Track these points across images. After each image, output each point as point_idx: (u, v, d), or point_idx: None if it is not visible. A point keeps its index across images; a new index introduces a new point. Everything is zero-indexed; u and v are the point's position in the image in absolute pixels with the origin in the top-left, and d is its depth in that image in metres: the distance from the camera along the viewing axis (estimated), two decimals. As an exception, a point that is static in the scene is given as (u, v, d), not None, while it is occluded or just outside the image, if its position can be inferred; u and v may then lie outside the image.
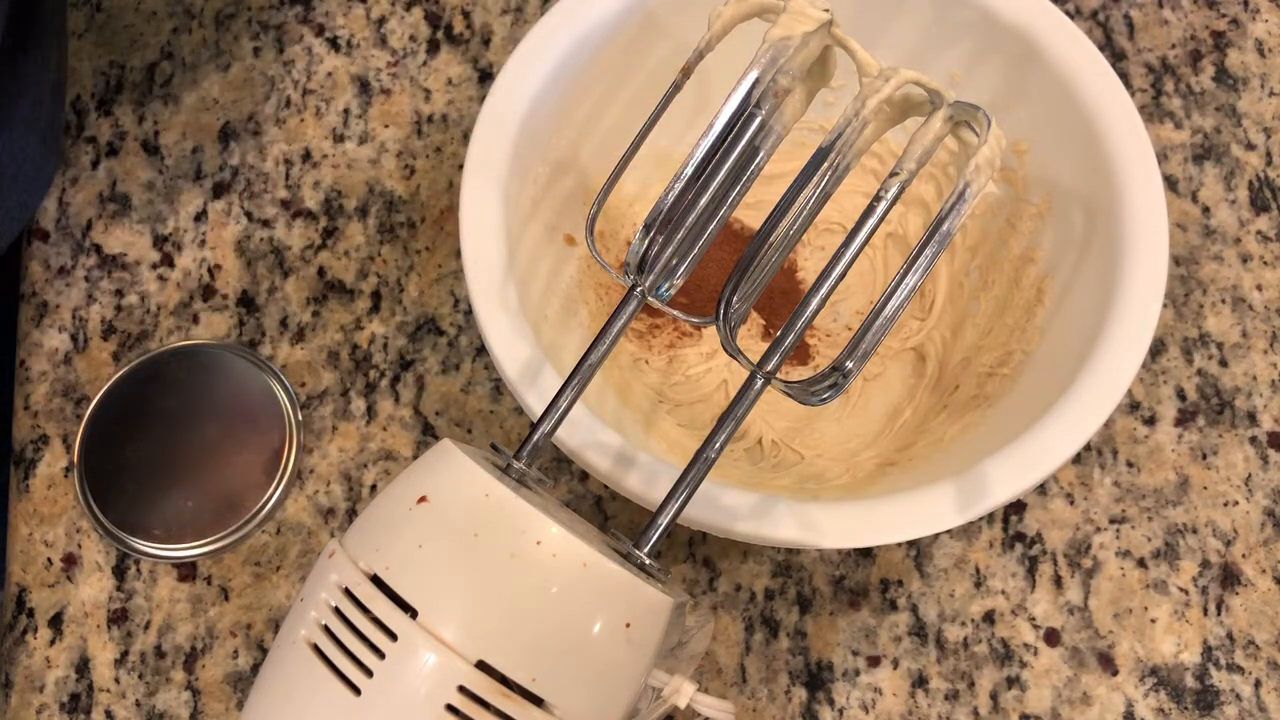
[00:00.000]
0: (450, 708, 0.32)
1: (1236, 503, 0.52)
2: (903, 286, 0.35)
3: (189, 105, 0.59)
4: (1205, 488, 0.52)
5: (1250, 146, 0.58)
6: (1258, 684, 0.49)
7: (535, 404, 0.42)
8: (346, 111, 0.59)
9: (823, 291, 0.36)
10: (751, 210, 0.55)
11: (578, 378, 0.38)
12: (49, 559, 0.51)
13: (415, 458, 0.44)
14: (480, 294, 0.44)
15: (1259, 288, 0.55)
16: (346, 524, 0.51)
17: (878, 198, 0.36)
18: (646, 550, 0.36)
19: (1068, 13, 0.60)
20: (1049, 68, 0.48)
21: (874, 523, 0.41)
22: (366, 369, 0.54)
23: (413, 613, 0.33)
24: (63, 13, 0.54)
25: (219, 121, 0.58)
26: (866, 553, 0.51)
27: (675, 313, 0.42)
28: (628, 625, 0.34)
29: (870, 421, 0.51)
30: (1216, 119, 0.58)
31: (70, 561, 0.51)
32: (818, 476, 0.49)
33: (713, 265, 0.53)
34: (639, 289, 0.38)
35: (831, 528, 0.41)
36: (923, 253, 0.35)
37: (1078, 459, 0.52)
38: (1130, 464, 0.52)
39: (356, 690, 0.33)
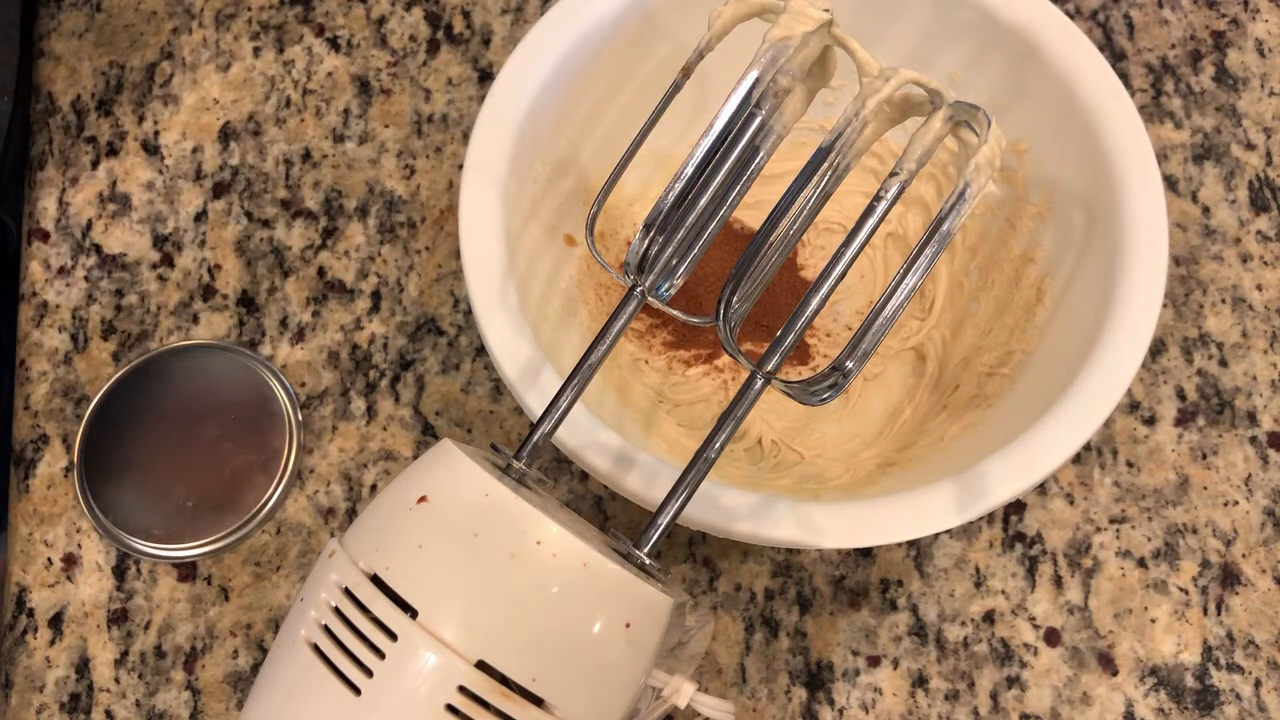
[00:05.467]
0: (450, 708, 0.32)
1: (1236, 503, 0.52)
2: (903, 286, 0.35)
3: (189, 105, 0.59)
4: (1205, 488, 0.52)
5: (1250, 146, 0.58)
6: (1258, 684, 0.49)
7: (535, 404, 0.42)
8: (346, 111, 0.59)
9: (823, 291, 0.36)
10: (751, 210, 0.55)
11: (578, 378, 0.38)
12: (49, 559, 0.51)
13: (415, 458, 0.44)
14: (480, 294, 0.44)
15: (1259, 288, 0.55)
16: (346, 524, 0.51)
17: (878, 198, 0.36)
18: (646, 550, 0.36)
19: (1068, 13, 0.60)
20: (1049, 68, 0.48)
21: (874, 523, 0.41)
22: (366, 369, 0.54)
23: (413, 613, 0.33)
24: (14, 4, 0.53)
25: (219, 121, 0.58)
26: (866, 553, 0.51)
27: (675, 313, 0.42)
28: (628, 625, 0.34)
29: (870, 421, 0.51)
30: (1216, 119, 0.58)
31: (70, 561, 0.51)
32: (818, 476, 0.49)
33: (713, 265, 0.53)
34: (639, 289, 0.38)
35: (831, 528, 0.41)
36: (923, 253, 0.35)
37: (1078, 459, 0.52)
38: (1130, 464, 0.52)
39: (356, 690, 0.33)
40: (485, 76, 0.59)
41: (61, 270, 0.55)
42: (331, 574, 0.35)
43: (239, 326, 0.54)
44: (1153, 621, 0.50)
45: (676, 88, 0.41)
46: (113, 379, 0.53)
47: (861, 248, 0.36)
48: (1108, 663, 0.49)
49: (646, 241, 0.38)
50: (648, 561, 0.36)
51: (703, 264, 0.51)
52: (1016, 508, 0.51)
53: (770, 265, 0.38)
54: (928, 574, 0.50)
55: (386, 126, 0.58)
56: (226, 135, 0.58)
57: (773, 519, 0.41)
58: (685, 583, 0.50)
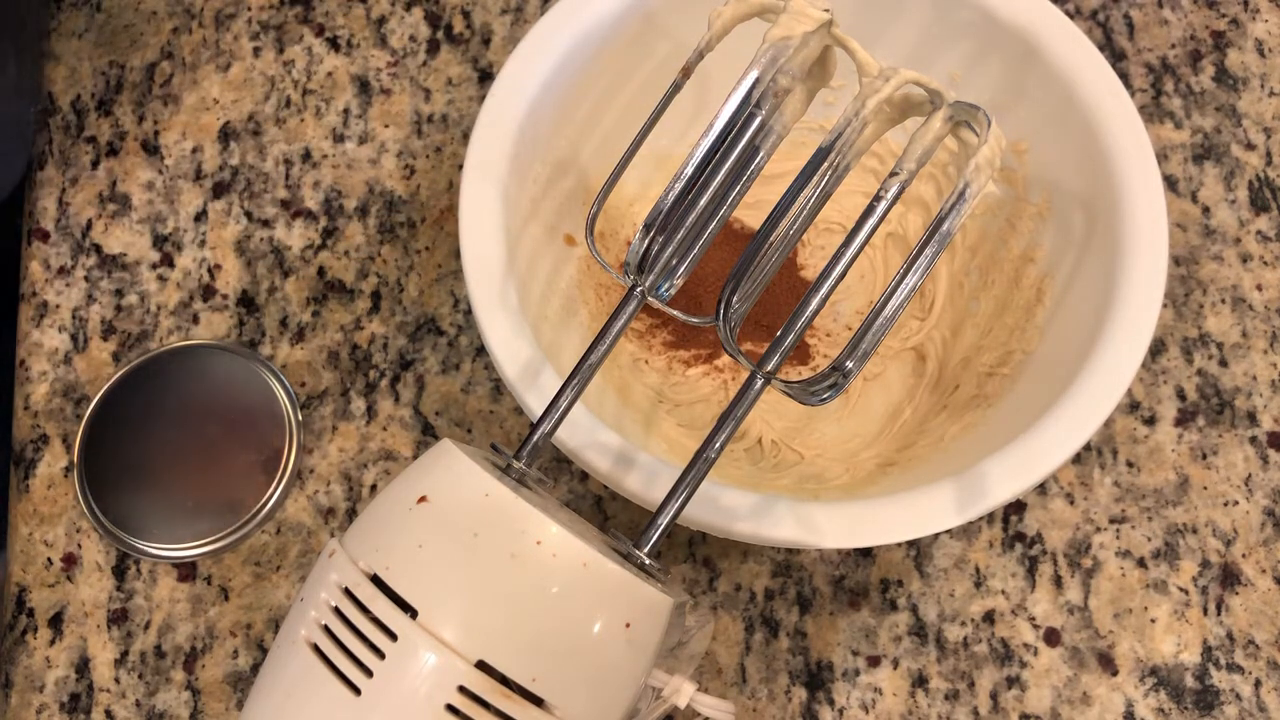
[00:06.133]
0: (450, 708, 0.32)
1: (1236, 503, 0.52)
2: (903, 286, 0.35)
3: (189, 105, 0.59)
4: (1205, 488, 0.52)
5: (1250, 146, 0.58)
6: (1258, 684, 0.49)
7: (535, 404, 0.42)
8: (346, 111, 0.59)
9: (823, 291, 0.36)
10: (751, 210, 0.55)
11: (578, 378, 0.38)
12: (49, 559, 0.51)
13: (415, 458, 0.44)
14: (480, 294, 0.44)
15: (1259, 288, 0.55)
16: (346, 524, 0.51)
17: (878, 198, 0.36)
18: (646, 550, 0.36)
19: (1068, 13, 0.60)
20: (1049, 68, 0.48)
21: (874, 523, 0.41)
22: (366, 369, 0.54)
23: (413, 613, 0.33)
24: (34, 12, 0.54)
25: (219, 121, 0.58)
26: (866, 553, 0.51)
27: (675, 313, 0.42)
28: (628, 625, 0.34)
29: (870, 421, 0.51)
30: (1216, 119, 0.58)
31: (70, 561, 0.51)
32: (818, 476, 0.49)
33: (713, 265, 0.53)
34: (639, 289, 0.38)
35: (831, 528, 0.41)
36: (923, 253, 0.35)
37: (1078, 459, 0.52)
38: (1130, 464, 0.52)
39: (356, 690, 0.33)
40: (485, 76, 0.59)
41: (61, 270, 0.55)
42: (331, 574, 0.35)
43: (239, 326, 0.54)
44: (1153, 621, 0.50)
45: (676, 88, 0.41)
46: (113, 379, 0.53)
47: (861, 248, 0.36)
48: (1108, 663, 0.49)
49: (646, 241, 0.38)
50: (648, 561, 0.36)
51: (703, 264, 0.51)
52: (1016, 508, 0.51)
53: (770, 265, 0.38)
54: (928, 574, 0.50)
55: (386, 126, 0.58)
56: (226, 135, 0.58)
57: (773, 519, 0.41)
58: (685, 583, 0.50)
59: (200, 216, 0.56)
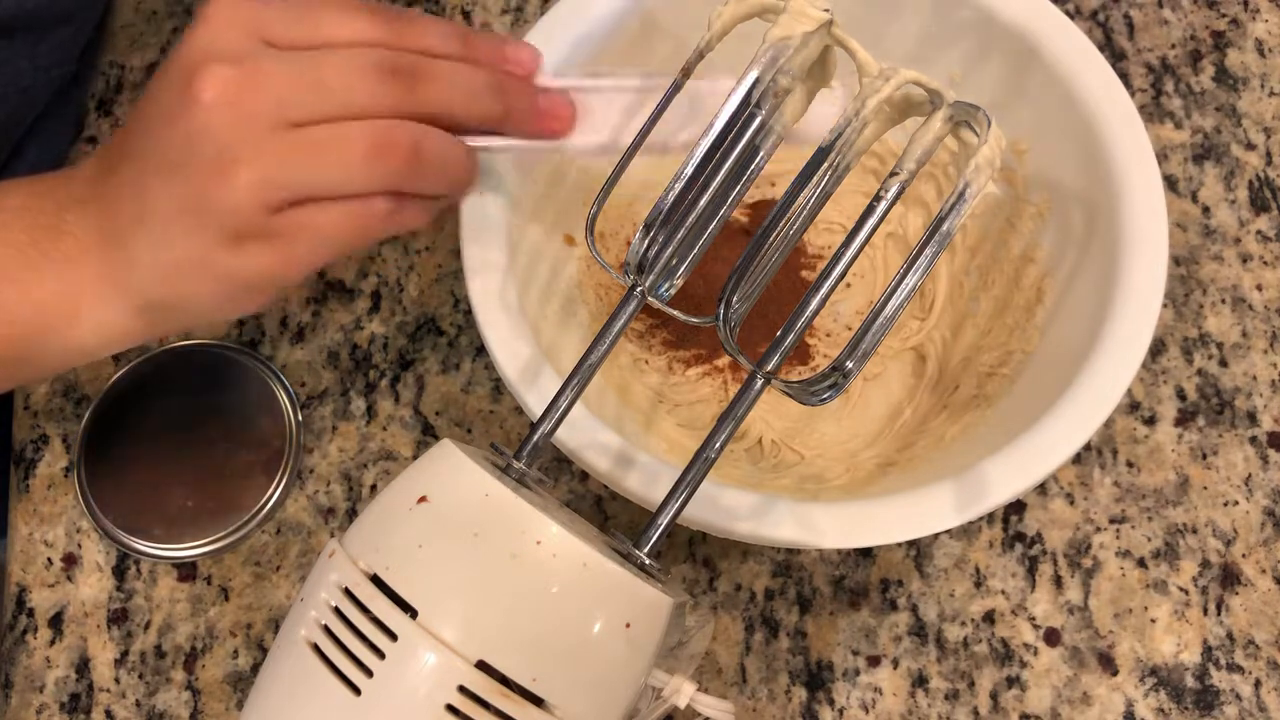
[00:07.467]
0: (450, 708, 0.32)
1: (1236, 503, 0.52)
2: (903, 286, 0.35)
3: (189, 105, 0.59)
4: (1205, 488, 0.52)
5: (1250, 146, 0.58)
6: (1258, 684, 0.49)
7: (535, 404, 0.42)
8: (346, 111, 0.58)
9: (823, 291, 0.36)
10: (752, 210, 0.55)
11: (578, 378, 0.38)
12: (49, 559, 0.51)
13: (415, 458, 0.44)
14: (480, 294, 0.44)
15: (1259, 288, 0.55)
16: (346, 524, 0.51)
17: (878, 198, 0.36)
18: (646, 550, 0.36)
19: (1068, 13, 0.59)
20: (1049, 68, 0.48)
21: (874, 523, 0.41)
22: (366, 369, 0.54)
23: (413, 613, 0.33)
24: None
25: (219, 121, 0.58)
26: (866, 553, 0.51)
27: (675, 313, 0.42)
28: (628, 625, 0.34)
29: (870, 421, 0.51)
30: (1216, 119, 0.58)
31: (70, 561, 0.51)
32: (818, 476, 0.49)
33: (713, 265, 0.53)
34: (639, 289, 0.38)
35: (831, 528, 0.41)
36: (923, 253, 0.35)
37: (1078, 459, 0.52)
38: (1130, 464, 0.52)
39: (356, 690, 0.33)
40: (485, 76, 0.59)
41: (61, 270, 0.55)
42: (331, 574, 0.35)
43: (239, 326, 0.54)
44: (1153, 621, 0.50)
45: (676, 88, 0.41)
46: (113, 379, 0.53)
47: (861, 248, 0.36)
48: (1108, 663, 0.49)
49: (646, 241, 0.38)
50: (648, 561, 0.36)
51: (703, 264, 0.51)
52: (1016, 508, 0.51)
53: (770, 265, 0.38)
54: (928, 574, 0.50)
55: (386, 126, 0.58)
56: (226, 135, 0.58)
57: (773, 519, 0.41)
58: (685, 583, 0.50)
59: (200, 216, 0.56)
